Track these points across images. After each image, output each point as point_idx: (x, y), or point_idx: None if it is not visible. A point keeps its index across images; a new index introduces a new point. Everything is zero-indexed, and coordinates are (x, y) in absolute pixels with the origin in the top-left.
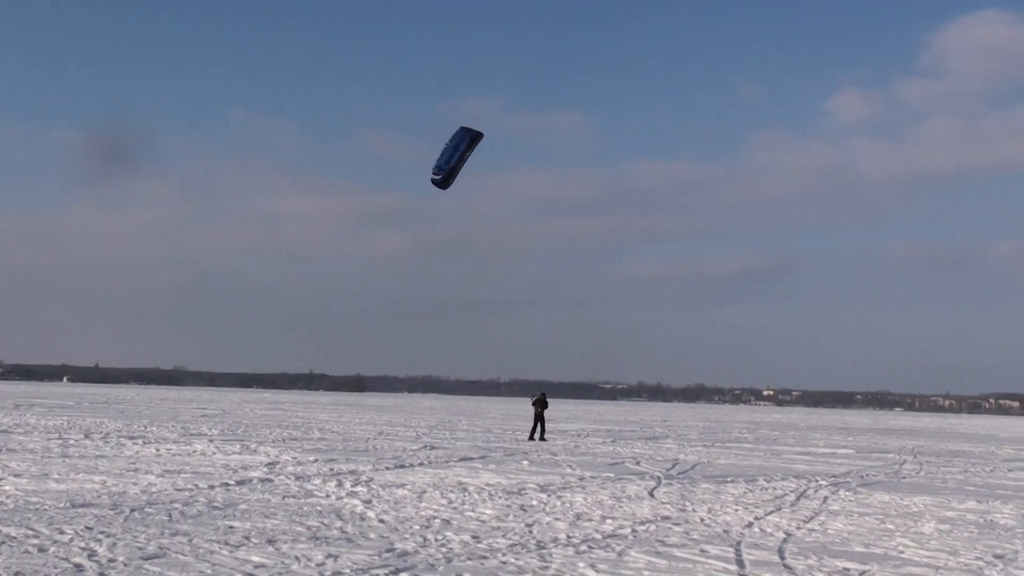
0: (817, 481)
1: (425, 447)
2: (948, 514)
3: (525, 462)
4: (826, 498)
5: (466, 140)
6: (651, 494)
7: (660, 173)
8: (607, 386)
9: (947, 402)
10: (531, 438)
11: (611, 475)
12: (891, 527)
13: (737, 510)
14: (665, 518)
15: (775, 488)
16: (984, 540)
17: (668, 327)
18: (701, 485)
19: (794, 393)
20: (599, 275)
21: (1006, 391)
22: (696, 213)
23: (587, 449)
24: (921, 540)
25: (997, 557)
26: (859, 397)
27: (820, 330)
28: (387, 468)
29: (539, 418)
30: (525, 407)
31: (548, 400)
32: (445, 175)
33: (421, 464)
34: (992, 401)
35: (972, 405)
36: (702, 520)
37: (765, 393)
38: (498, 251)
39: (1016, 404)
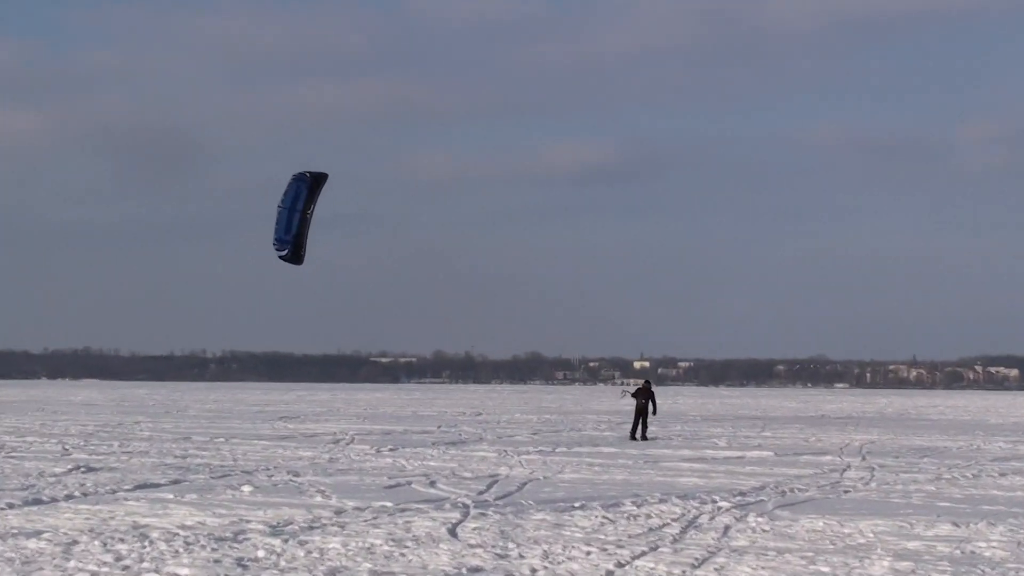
0: (714, 502)
1: (78, 468)
2: (911, 546)
3: (246, 488)
4: (727, 528)
5: (303, 192)
6: (453, 533)
7: (462, 12)
8: (384, 360)
9: (913, 372)
10: (632, 436)
11: (389, 504)
12: (825, 570)
13: (590, 553)
14: (475, 571)
15: (650, 516)
16: None
17: (477, 260)
18: (534, 515)
19: (681, 365)
20: (367, 177)
21: (998, 353)
22: (521, 77)
23: (350, 463)
24: None
25: None
26: (781, 368)
27: (717, 264)
28: (11, 506)
29: (642, 412)
30: (251, 396)
31: (653, 389)
32: (292, 248)
33: (70, 497)
34: (979, 370)
35: (950, 376)
36: (534, 572)
37: (637, 366)
38: (192, 141)
39: (1014, 372)
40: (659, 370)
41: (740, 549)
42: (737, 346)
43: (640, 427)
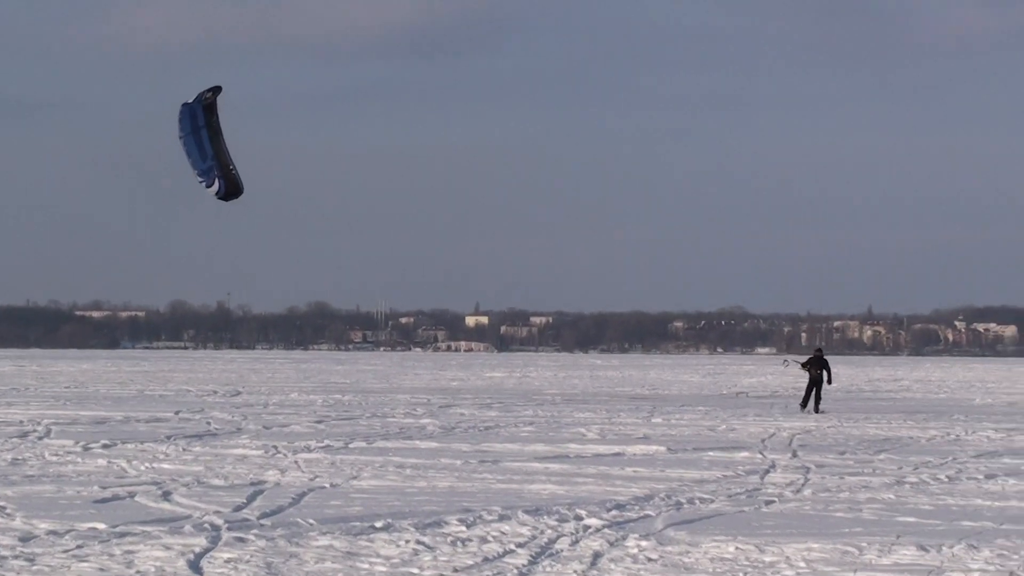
0: (579, 519)
1: None
2: None
3: None
4: (597, 557)
5: (198, 109)
6: (196, 567)
7: None
8: (97, 315)
9: (867, 331)
10: (803, 406)
11: (101, 526)
12: None
13: None
14: None
15: (485, 539)
16: None
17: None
18: (316, 541)
19: (535, 321)
20: (54, 47)
21: (988, 304)
22: None
23: (43, 465)
24: None
25: None
26: (679, 326)
27: (586, 177)
28: None
29: (816, 383)
30: None
31: (826, 358)
32: (224, 179)
33: None
34: (960, 327)
35: (920, 336)
36: None
37: (471, 322)
38: None
39: (1010, 330)
40: (503, 328)
41: None
42: (616, 295)
43: (814, 399)
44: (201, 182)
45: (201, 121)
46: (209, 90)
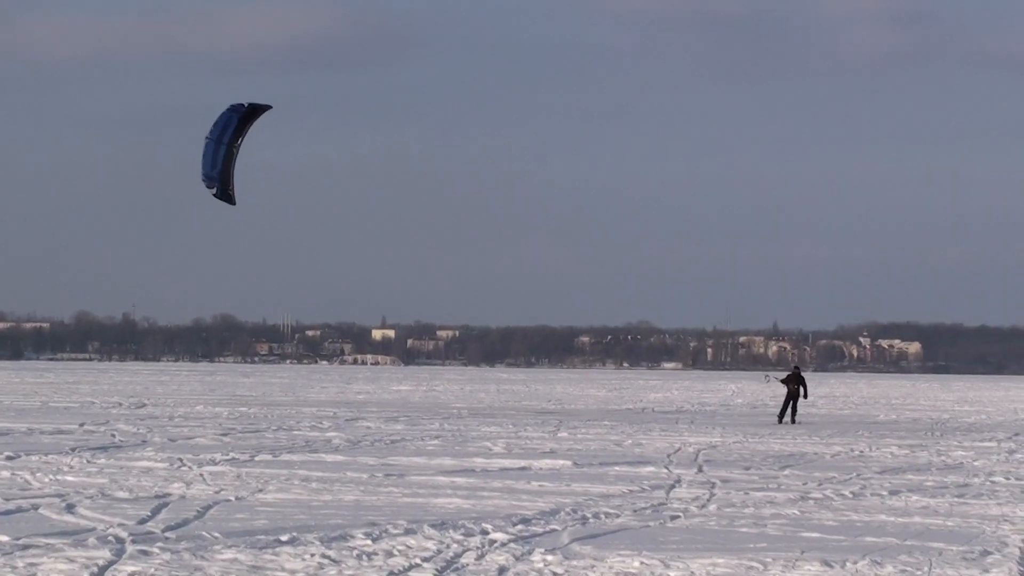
0: (485, 533)
1: None
2: None
3: None
4: (503, 571)
5: (233, 122)
6: None
7: None
8: None
9: (772, 347)
10: (780, 419)
11: (3, 539)
12: None
13: None
14: None
15: (391, 553)
16: None
17: (130, 179)
18: (221, 554)
19: (441, 335)
20: None
21: (892, 321)
22: None
23: None
24: None
25: None
26: (585, 341)
27: (482, 189)
28: None
29: (794, 396)
30: None
31: (803, 374)
32: (220, 187)
33: None
34: (865, 343)
35: (824, 352)
36: None
37: (378, 335)
38: None
39: (914, 347)
40: (409, 342)
41: None
42: (522, 310)
43: (791, 411)
44: (203, 180)
45: (227, 138)
46: (263, 106)
